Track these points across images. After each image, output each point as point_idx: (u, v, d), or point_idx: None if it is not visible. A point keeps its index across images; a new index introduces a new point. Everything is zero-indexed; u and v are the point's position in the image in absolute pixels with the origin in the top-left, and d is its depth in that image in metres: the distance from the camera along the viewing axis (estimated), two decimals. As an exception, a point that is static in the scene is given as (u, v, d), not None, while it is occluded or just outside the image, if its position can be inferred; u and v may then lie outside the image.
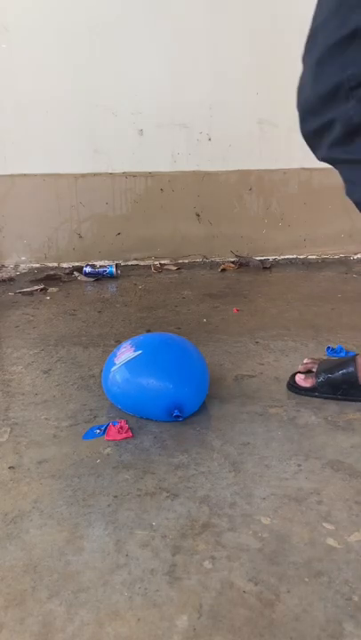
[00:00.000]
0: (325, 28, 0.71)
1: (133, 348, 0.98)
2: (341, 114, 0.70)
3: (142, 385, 0.94)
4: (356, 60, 0.68)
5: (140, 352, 0.97)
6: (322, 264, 2.00)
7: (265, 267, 1.96)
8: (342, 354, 1.20)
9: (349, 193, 0.80)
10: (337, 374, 1.01)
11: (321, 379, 1.02)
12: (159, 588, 0.62)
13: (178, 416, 0.93)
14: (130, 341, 1.02)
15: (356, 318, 1.43)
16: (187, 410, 0.95)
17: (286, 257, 2.04)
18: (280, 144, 1.91)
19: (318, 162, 0.81)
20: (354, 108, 0.69)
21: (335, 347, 1.23)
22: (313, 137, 0.76)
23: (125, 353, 0.98)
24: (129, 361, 0.96)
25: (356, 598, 0.61)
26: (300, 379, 1.05)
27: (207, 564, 0.66)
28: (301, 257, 2.05)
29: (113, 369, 0.98)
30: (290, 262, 2.02)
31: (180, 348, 1.01)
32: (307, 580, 0.63)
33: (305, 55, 0.74)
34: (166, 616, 0.59)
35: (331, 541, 0.69)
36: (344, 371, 1.01)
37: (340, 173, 0.79)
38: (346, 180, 0.79)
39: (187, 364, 0.98)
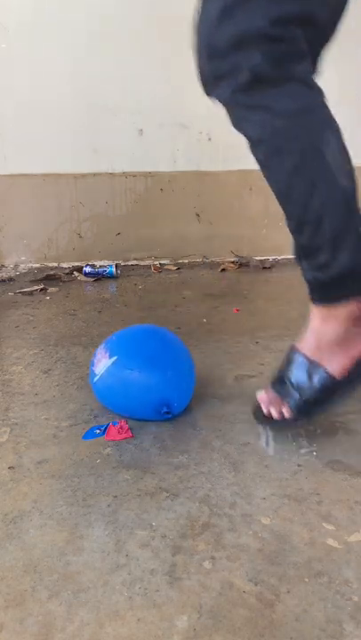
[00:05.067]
0: None
1: (108, 354, 0.95)
2: (248, 62, 0.72)
3: (126, 391, 0.93)
4: (263, 11, 0.69)
5: (115, 358, 0.94)
6: (322, 264, 1.99)
7: (265, 267, 1.96)
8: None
9: (240, 127, 0.81)
10: (312, 387, 0.83)
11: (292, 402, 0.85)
12: (159, 589, 0.62)
13: (167, 412, 0.93)
14: (103, 345, 0.98)
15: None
16: (176, 403, 0.94)
17: (286, 257, 2.04)
18: (280, 144, 1.91)
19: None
20: (260, 59, 0.71)
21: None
22: (212, 77, 0.78)
23: (102, 361, 0.95)
24: (107, 369, 0.94)
25: (356, 598, 0.61)
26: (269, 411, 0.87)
27: (207, 565, 0.66)
28: (301, 257, 2.05)
29: (95, 380, 0.96)
30: (290, 262, 2.01)
31: (155, 340, 0.99)
32: (307, 580, 0.63)
33: None
34: (166, 616, 0.59)
35: (331, 541, 0.69)
36: (316, 377, 0.83)
37: (232, 113, 0.80)
38: (237, 117, 0.80)
39: (167, 357, 0.96)
